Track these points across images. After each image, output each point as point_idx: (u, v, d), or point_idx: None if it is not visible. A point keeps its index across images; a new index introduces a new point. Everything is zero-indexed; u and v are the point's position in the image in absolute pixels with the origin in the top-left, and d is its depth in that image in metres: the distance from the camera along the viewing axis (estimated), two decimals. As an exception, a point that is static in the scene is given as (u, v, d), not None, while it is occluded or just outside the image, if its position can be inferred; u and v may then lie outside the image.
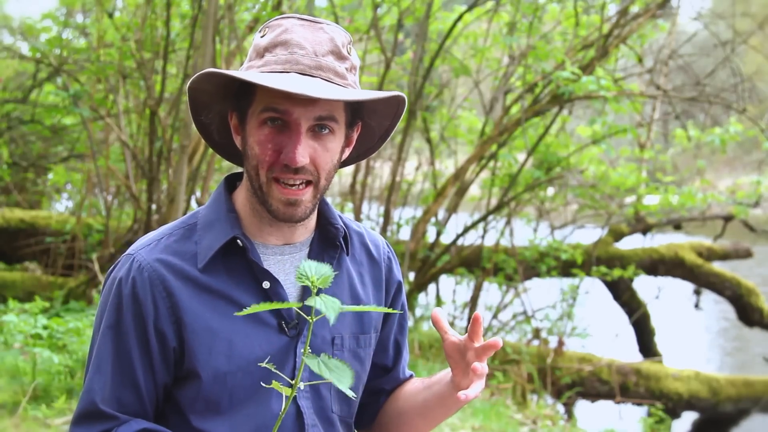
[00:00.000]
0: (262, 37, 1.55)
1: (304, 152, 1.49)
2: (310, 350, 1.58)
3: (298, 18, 1.55)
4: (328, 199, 1.67)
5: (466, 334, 1.54)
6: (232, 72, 1.50)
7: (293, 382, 1.35)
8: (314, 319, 1.34)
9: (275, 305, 1.40)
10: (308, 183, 1.53)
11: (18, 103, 8.94)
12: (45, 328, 5.32)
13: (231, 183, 1.66)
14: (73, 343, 5.20)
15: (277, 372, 1.45)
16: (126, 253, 1.59)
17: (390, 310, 1.50)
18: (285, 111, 1.49)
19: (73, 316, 6.02)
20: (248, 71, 1.52)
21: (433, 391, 1.66)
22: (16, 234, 8.23)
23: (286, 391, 1.36)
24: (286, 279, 1.59)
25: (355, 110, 1.58)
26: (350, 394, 1.35)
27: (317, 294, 1.30)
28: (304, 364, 1.36)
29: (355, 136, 1.62)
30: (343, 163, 1.64)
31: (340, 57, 1.53)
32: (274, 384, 1.35)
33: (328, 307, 1.30)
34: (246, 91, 1.53)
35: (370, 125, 1.66)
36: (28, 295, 6.84)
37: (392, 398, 1.78)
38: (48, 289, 7.29)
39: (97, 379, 1.53)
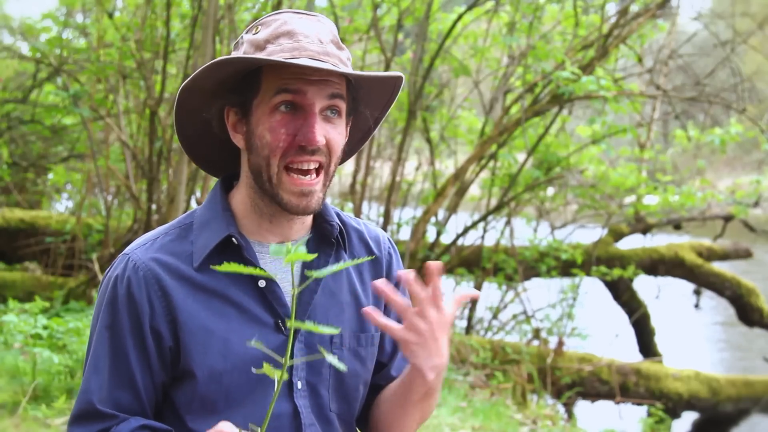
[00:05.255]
0: (255, 33, 1.53)
1: (320, 131, 1.50)
2: (306, 349, 1.58)
3: (293, 12, 1.55)
4: (327, 198, 1.67)
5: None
6: (251, 56, 1.49)
7: (284, 362, 1.28)
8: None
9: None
10: (319, 169, 1.52)
11: (18, 103, 8.95)
12: (45, 328, 5.32)
13: (227, 183, 1.65)
14: (73, 343, 5.20)
15: (271, 353, 1.41)
16: (122, 253, 1.59)
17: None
18: (298, 90, 1.49)
19: (73, 316, 6.02)
20: (258, 56, 1.50)
21: (403, 374, 1.62)
22: (16, 234, 8.22)
23: (277, 375, 1.28)
24: (282, 278, 1.58)
25: (353, 98, 1.59)
26: (341, 367, 1.36)
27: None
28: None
29: (348, 128, 1.62)
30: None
31: (339, 47, 1.56)
32: (266, 367, 1.28)
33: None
34: (249, 82, 1.52)
35: (363, 114, 1.66)
36: (28, 295, 6.84)
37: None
38: (48, 289, 7.28)
39: (94, 379, 1.53)
